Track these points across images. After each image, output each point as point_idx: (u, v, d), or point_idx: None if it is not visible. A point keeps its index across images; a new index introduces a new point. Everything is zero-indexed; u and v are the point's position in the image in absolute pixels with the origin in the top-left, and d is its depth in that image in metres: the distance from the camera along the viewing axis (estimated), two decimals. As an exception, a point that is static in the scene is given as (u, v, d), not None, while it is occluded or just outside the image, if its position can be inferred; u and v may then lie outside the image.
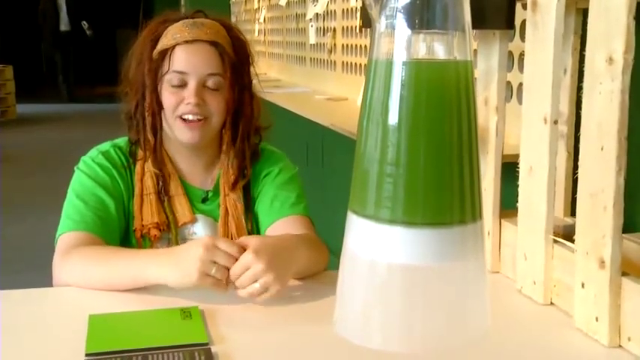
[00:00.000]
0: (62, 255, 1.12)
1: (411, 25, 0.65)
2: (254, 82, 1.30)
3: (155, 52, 1.21)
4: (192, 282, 0.97)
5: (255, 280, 0.97)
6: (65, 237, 1.15)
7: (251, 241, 1.01)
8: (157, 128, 1.23)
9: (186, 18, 1.23)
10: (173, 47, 1.19)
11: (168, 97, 1.20)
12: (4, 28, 12.80)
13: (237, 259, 0.98)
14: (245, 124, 1.26)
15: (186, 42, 1.19)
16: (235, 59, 1.23)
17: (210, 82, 1.20)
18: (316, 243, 1.14)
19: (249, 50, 1.28)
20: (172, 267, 0.99)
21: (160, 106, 1.21)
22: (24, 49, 13.65)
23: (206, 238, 1.00)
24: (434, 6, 0.66)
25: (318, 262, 1.11)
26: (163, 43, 1.21)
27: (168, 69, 1.19)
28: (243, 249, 0.99)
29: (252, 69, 1.29)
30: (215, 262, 0.97)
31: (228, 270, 0.98)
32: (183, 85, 1.20)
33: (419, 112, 0.64)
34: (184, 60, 1.19)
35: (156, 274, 1.01)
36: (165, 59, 1.20)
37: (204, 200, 1.28)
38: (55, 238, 1.17)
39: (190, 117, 1.19)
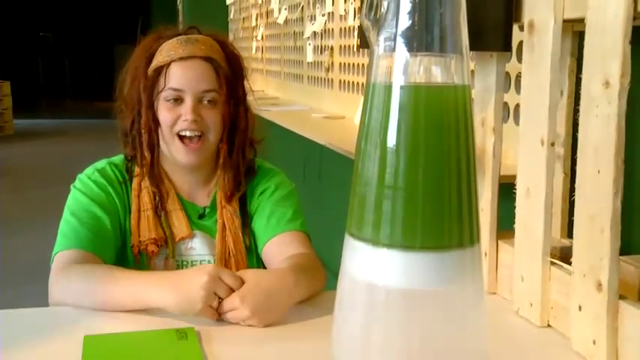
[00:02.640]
0: (58, 273, 1.11)
1: (409, 49, 0.66)
2: (249, 97, 1.30)
3: (150, 70, 1.22)
4: (195, 311, 0.97)
5: (238, 322, 0.99)
6: (61, 255, 1.14)
7: (247, 278, 1.01)
8: (153, 145, 1.23)
9: (180, 34, 1.24)
10: (168, 64, 1.20)
11: (164, 114, 1.21)
12: (1, 44, 12.84)
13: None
14: (240, 137, 1.26)
15: (181, 58, 1.19)
16: (230, 74, 1.23)
17: (206, 98, 1.21)
18: (314, 267, 1.13)
19: (242, 64, 1.29)
20: (175, 293, 0.98)
21: (157, 123, 1.22)
22: (21, 64, 13.69)
23: (210, 267, 1.00)
24: (432, 29, 0.67)
25: (316, 287, 1.11)
26: (158, 60, 1.21)
27: (164, 86, 1.20)
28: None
29: (246, 83, 1.29)
30: (216, 294, 0.98)
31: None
32: (179, 101, 1.20)
33: (417, 137, 0.65)
34: (180, 77, 1.19)
35: (157, 299, 1.00)
36: (160, 76, 1.20)
37: (202, 216, 1.27)
38: (51, 256, 1.16)
39: (188, 133, 1.20)
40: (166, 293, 0.99)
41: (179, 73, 1.19)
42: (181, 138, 1.21)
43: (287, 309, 1.02)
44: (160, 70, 1.20)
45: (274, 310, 1.00)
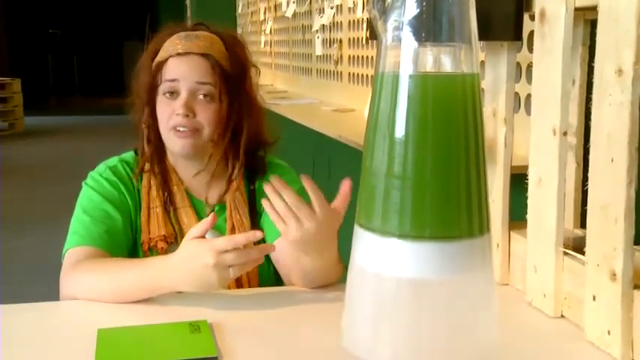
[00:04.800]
0: (69, 269, 1.12)
1: (418, 38, 0.65)
2: (257, 96, 1.29)
3: (153, 65, 1.23)
4: (214, 289, 0.99)
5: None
6: (72, 252, 1.15)
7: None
8: (150, 140, 1.24)
9: (188, 31, 1.24)
10: (166, 59, 1.20)
11: (161, 109, 1.21)
12: (13, 41, 12.91)
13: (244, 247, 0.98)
14: (246, 140, 1.26)
15: (178, 54, 1.20)
16: (230, 72, 1.22)
17: (201, 92, 1.20)
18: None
19: (249, 64, 1.28)
20: (190, 279, 0.99)
21: (155, 119, 1.22)
22: (32, 62, 13.77)
23: (208, 245, 0.98)
24: (440, 18, 0.66)
25: (339, 272, 1.11)
26: (160, 55, 1.22)
27: (161, 80, 1.20)
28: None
29: (254, 83, 1.28)
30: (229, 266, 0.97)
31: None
32: (175, 94, 1.20)
33: (426, 126, 0.64)
34: (175, 68, 1.20)
35: (171, 285, 1.02)
36: (159, 71, 1.21)
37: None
38: (62, 253, 1.17)
39: (181, 129, 1.20)
40: (179, 281, 1.00)
41: (174, 66, 1.20)
42: (175, 130, 1.21)
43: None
44: (161, 66, 1.21)
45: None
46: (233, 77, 1.23)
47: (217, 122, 1.22)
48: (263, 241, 1.27)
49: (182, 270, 1.00)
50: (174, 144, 1.21)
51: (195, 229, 1.02)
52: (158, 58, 1.22)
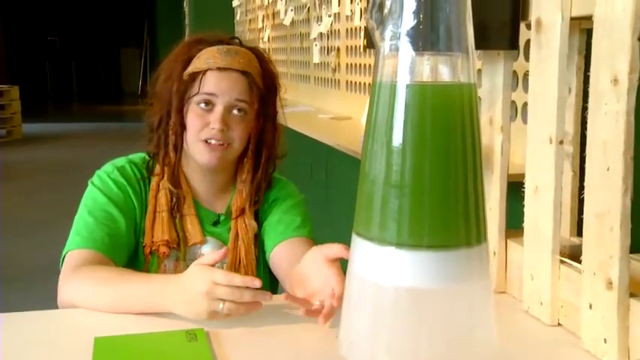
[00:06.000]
0: (69, 273, 1.11)
1: (415, 48, 0.66)
2: (279, 112, 1.30)
3: (186, 74, 1.22)
4: (203, 318, 0.97)
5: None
6: (72, 254, 1.15)
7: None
8: (177, 148, 1.24)
9: (222, 42, 1.24)
10: (205, 71, 1.20)
11: (193, 120, 1.21)
12: (11, 48, 12.92)
13: (240, 286, 0.95)
14: (266, 154, 1.27)
15: (219, 68, 1.20)
16: (264, 90, 1.24)
17: (236, 109, 1.21)
18: None
19: (277, 82, 1.29)
20: (182, 304, 0.99)
21: (183, 127, 1.22)
22: (30, 68, 13.79)
23: (207, 273, 0.96)
24: (437, 28, 0.67)
25: None
26: (195, 65, 1.21)
27: (198, 91, 1.20)
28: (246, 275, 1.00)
29: (278, 100, 1.29)
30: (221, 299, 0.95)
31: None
32: (210, 107, 1.20)
33: (423, 135, 0.65)
34: (214, 83, 1.20)
35: (167, 307, 1.01)
36: (195, 82, 1.20)
37: (216, 223, 1.28)
38: (62, 253, 1.16)
39: (213, 142, 1.20)
40: (174, 303, 1.00)
41: (214, 80, 1.19)
42: (206, 143, 1.21)
43: None
44: (196, 76, 1.20)
45: None
46: (265, 96, 1.24)
47: (246, 138, 1.23)
48: (263, 253, 1.28)
49: (179, 291, 1.00)
50: (202, 155, 1.21)
51: (206, 257, 1.02)
52: (193, 68, 1.21)
